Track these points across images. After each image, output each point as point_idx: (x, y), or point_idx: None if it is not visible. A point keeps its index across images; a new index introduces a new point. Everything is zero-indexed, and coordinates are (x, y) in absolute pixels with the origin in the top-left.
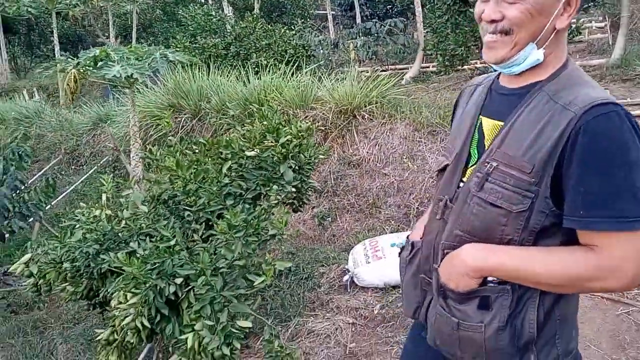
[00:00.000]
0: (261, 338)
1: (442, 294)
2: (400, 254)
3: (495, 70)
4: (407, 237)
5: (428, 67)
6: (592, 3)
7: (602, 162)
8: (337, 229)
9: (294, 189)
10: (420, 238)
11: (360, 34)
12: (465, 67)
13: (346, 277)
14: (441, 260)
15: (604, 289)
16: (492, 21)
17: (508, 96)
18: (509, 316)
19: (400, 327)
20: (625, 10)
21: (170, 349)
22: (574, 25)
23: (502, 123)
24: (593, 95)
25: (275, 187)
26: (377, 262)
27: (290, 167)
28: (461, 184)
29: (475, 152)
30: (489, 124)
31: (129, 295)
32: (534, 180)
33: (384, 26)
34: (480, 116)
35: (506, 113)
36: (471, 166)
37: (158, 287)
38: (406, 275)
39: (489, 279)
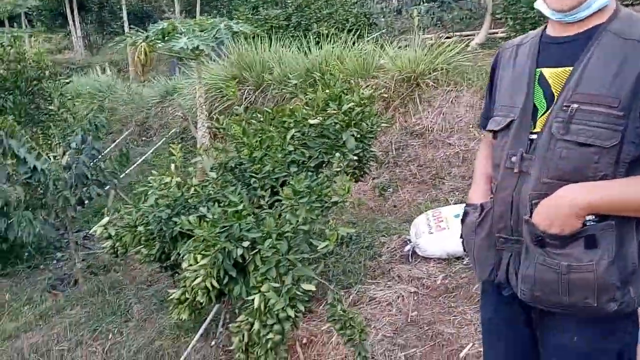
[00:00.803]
0: (323, 303)
1: (539, 242)
2: (463, 219)
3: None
4: (468, 204)
5: (496, 32)
6: None
7: None
8: (398, 200)
9: (355, 158)
10: (490, 198)
11: (424, 0)
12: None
13: (408, 247)
14: (531, 211)
15: None
16: None
17: (570, 43)
18: (616, 251)
19: (464, 297)
20: None
21: (237, 310)
22: None
23: (570, 68)
24: None
25: (337, 154)
26: (441, 232)
27: (353, 135)
28: (532, 136)
29: (543, 102)
30: (553, 73)
31: (199, 257)
32: (623, 113)
33: None
34: (539, 69)
35: (572, 58)
36: (540, 116)
37: (226, 250)
38: (477, 238)
39: (587, 217)
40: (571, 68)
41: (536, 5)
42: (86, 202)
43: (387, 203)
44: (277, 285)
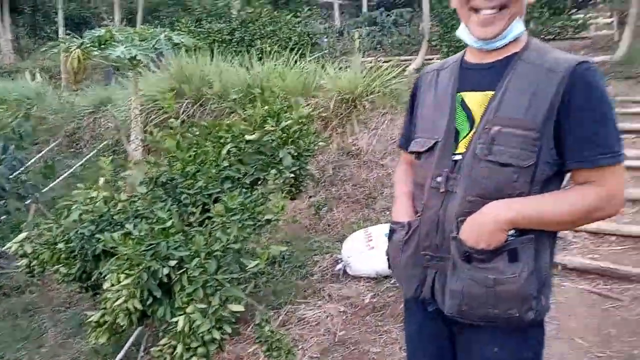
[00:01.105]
0: (251, 324)
1: (467, 258)
2: (390, 237)
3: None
4: (394, 222)
5: (432, 58)
6: None
7: (596, 108)
8: (332, 219)
9: (292, 175)
10: (416, 217)
11: (366, 23)
12: None
13: (339, 266)
14: (457, 229)
15: (605, 216)
16: None
17: (488, 70)
18: (534, 262)
19: (390, 316)
20: (634, 6)
21: (160, 333)
22: (580, 21)
23: (490, 93)
24: (570, 57)
25: (273, 171)
26: (370, 251)
27: (290, 152)
28: (455, 157)
29: (465, 125)
30: (474, 97)
31: (122, 276)
32: (538, 135)
33: (390, 16)
34: (460, 93)
35: (491, 84)
36: (463, 139)
37: (152, 269)
38: (403, 255)
39: (509, 232)
40: (491, 93)
41: (458, 33)
42: (3, 217)
43: (322, 222)
44: (203, 306)
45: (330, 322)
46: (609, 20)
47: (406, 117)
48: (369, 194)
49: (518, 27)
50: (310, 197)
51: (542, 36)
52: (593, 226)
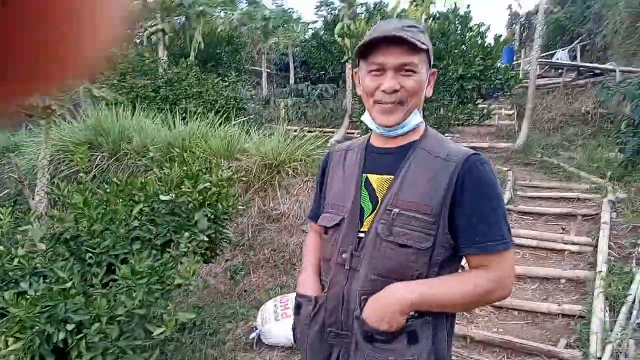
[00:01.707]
0: None
1: (369, 338)
2: (297, 311)
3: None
4: (300, 295)
5: (353, 133)
6: (501, 92)
7: (486, 198)
8: (249, 284)
9: (207, 238)
10: (323, 293)
11: (292, 94)
12: None
13: (253, 334)
14: (360, 307)
15: (498, 298)
16: (394, 91)
17: (390, 154)
18: (432, 343)
19: None
20: (529, 103)
21: None
22: (485, 110)
23: (391, 176)
24: (462, 149)
25: (186, 234)
26: (286, 319)
27: (206, 215)
28: (360, 234)
29: (369, 204)
30: (377, 179)
31: (10, 340)
32: (434, 220)
33: (316, 90)
34: (365, 174)
35: (392, 168)
36: (367, 217)
37: (46, 333)
38: (310, 331)
39: (410, 313)
40: (392, 176)
41: (363, 118)
42: None
43: (238, 287)
44: None
45: None
46: (510, 112)
47: (316, 191)
48: (288, 259)
49: (416, 119)
50: (227, 260)
51: (451, 122)
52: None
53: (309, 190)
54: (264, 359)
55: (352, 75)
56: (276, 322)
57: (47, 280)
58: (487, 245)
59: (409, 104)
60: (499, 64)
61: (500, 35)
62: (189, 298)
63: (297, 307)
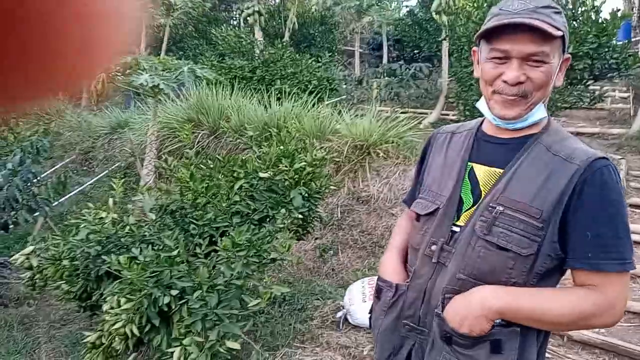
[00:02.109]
0: None
1: (447, 339)
2: (378, 295)
3: (480, 121)
4: (382, 280)
5: (448, 114)
6: (617, 73)
7: (607, 210)
8: (337, 264)
9: (300, 216)
10: (405, 281)
11: (385, 74)
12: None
13: (340, 314)
14: (443, 305)
15: (601, 325)
16: (518, 83)
17: (504, 145)
18: (518, 356)
19: None
20: None
21: None
22: (597, 92)
23: (500, 170)
24: (589, 150)
25: (283, 210)
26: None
27: (300, 193)
28: (454, 228)
29: (470, 197)
30: (483, 171)
31: (122, 300)
32: (542, 225)
33: (409, 69)
34: (471, 163)
35: (503, 161)
36: (465, 211)
37: (153, 296)
38: (386, 318)
39: (497, 321)
40: (501, 170)
41: (478, 105)
42: (11, 226)
43: (326, 265)
44: (200, 339)
45: None
46: (625, 94)
47: (415, 174)
48: (376, 242)
49: (540, 113)
50: (317, 239)
51: (558, 104)
52: None
53: (400, 174)
54: (350, 339)
55: (473, 54)
56: (363, 303)
57: (155, 248)
58: (599, 263)
59: (533, 97)
60: (614, 42)
61: (618, 10)
62: (281, 273)
63: (378, 292)
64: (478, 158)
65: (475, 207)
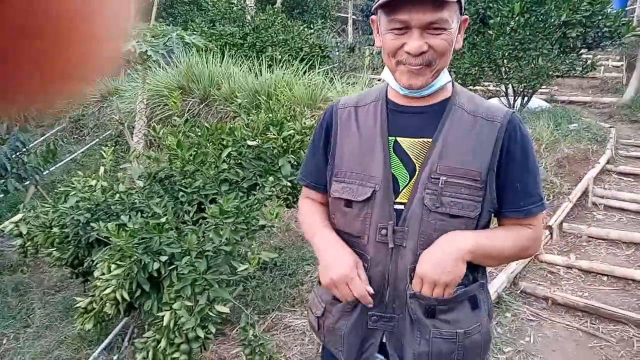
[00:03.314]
0: (237, 327)
1: (431, 313)
2: (334, 299)
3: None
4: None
5: None
6: (610, 41)
7: (529, 160)
8: None
9: (289, 184)
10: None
11: None
12: (477, 87)
13: None
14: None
15: (529, 255)
16: (421, 53)
17: (422, 114)
18: (488, 307)
19: None
20: None
21: (146, 326)
22: (589, 61)
23: (427, 140)
24: (499, 106)
25: (271, 178)
26: None
27: (289, 161)
28: (396, 206)
29: (404, 172)
30: (409, 143)
31: (113, 266)
32: (482, 185)
33: None
34: (392, 136)
35: (428, 130)
36: (403, 187)
37: (142, 262)
38: (351, 319)
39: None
40: (429, 140)
41: (383, 75)
42: (1, 195)
43: None
44: (190, 304)
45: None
46: (618, 63)
47: (315, 152)
48: None
49: (445, 78)
50: None
51: (550, 73)
52: (586, 265)
53: None
54: None
55: (372, 23)
56: None
57: (144, 215)
58: (530, 209)
59: (437, 64)
60: (608, 9)
61: None
62: (271, 240)
63: (333, 300)
64: (399, 130)
65: (414, 182)
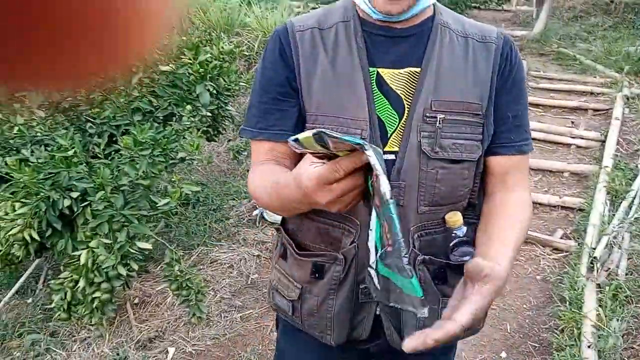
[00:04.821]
0: (161, 263)
1: (442, 278)
2: (319, 274)
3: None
4: (319, 254)
5: None
6: None
7: (522, 88)
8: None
9: (209, 114)
10: (350, 244)
11: None
12: None
13: (256, 212)
14: (419, 249)
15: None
16: None
17: (406, 38)
18: None
19: None
20: None
21: (62, 267)
22: None
23: (416, 69)
24: (490, 26)
25: (189, 107)
26: None
27: (208, 89)
28: (386, 156)
29: (392, 112)
30: (394, 75)
31: (17, 205)
32: (483, 120)
33: None
34: (373, 68)
35: (414, 58)
36: (393, 132)
37: (51, 199)
38: (338, 298)
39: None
40: (417, 69)
41: None
42: None
43: (241, 167)
44: (108, 241)
45: (243, 265)
46: None
47: (269, 91)
48: None
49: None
50: (229, 140)
51: (468, 3)
52: None
53: None
54: (266, 235)
55: None
56: None
57: (49, 149)
58: (521, 146)
59: None
60: None
61: None
62: (193, 175)
63: (318, 271)
64: (380, 60)
65: (405, 124)
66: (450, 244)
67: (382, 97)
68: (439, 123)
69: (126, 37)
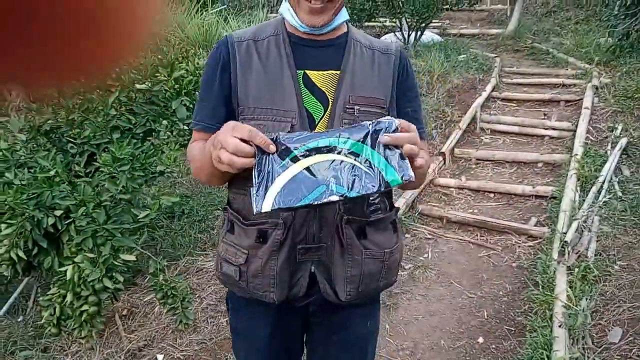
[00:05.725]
0: (148, 276)
1: (363, 233)
2: (261, 240)
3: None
4: (262, 222)
5: None
6: None
7: (416, 89)
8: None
9: (186, 127)
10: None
11: None
12: (373, 22)
13: None
14: (343, 212)
15: (421, 183)
16: None
17: (327, 47)
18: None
19: None
20: None
21: (51, 285)
22: None
23: (335, 72)
24: (389, 42)
25: (165, 122)
26: None
27: (185, 104)
28: None
29: (318, 105)
30: (318, 75)
31: (3, 226)
32: (386, 112)
33: None
34: (300, 70)
35: (335, 62)
36: (319, 120)
37: (36, 219)
38: (279, 259)
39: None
40: (337, 72)
41: (281, 11)
42: None
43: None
44: (92, 255)
45: None
46: None
47: (210, 91)
48: None
49: (344, 15)
50: None
51: (439, 6)
52: (475, 184)
53: None
54: None
55: None
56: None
57: (32, 171)
58: (420, 133)
59: (338, 1)
60: None
61: None
62: (177, 189)
63: (261, 237)
64: (306, 64)
65: (329, 114)
66: (369, 207)
67: (309, 93)
68: (356, 113)
69: (114, 37)
